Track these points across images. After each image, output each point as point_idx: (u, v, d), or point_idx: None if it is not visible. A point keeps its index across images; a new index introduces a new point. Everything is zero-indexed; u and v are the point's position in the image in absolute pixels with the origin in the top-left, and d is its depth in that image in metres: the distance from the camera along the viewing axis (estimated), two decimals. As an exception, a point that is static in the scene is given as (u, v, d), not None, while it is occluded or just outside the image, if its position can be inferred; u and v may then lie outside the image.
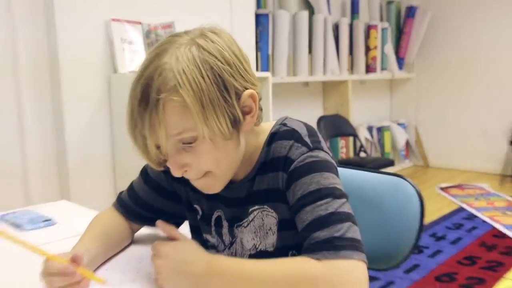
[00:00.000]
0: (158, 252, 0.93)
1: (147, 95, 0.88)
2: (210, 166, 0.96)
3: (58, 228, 1.35)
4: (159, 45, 0.94)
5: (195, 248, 0.95)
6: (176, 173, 0.96)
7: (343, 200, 0.93)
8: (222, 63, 0.91)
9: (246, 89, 0.94)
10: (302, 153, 0.97)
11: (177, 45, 0.91)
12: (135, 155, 0.98)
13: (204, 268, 0.92)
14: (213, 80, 0.89)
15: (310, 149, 0.97)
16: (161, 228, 1.00)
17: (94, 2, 2.72)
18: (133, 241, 1.20)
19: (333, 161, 0.99)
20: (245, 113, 0.96)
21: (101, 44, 2.76)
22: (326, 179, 0.94)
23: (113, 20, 2.77)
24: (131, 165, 1.16)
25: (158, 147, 0.94)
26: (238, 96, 0.93)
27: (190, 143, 0.92)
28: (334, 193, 0.92)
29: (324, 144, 1.01)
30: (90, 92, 2.73)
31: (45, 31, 2.63)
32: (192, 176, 0.98)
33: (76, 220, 1.30)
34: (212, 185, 1.01)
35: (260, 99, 0.99)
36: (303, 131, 1.00)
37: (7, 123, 2.54)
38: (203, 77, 0.88)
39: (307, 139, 0.99)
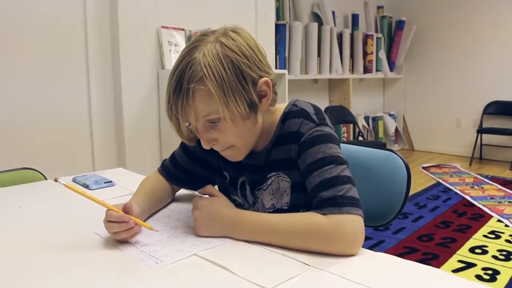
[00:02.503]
0: (197, 205, 0.94)
1: (180, 85, 0.87)
2: (233, 140, 0.94)
3: (116, 188, 1.35)
4: (191, 43, 0.91)
5: (226, 203, 0.95)
6: (206, 146, 0.95)
7: (344, 166, 0.91)
8: (240, 56, 0.88)
9: (262, 77, 0.92)
10: (310, 128, 0.94)
11: (204, 43, 0.89)
12: (176, 133, 0.97)
13: (231, 218, 0.91)
14: (233, 71, 0.87)
15: (317, 125, 0.95)
16: (202, 191, 0.99)
17: (149, 14, 2.74)
18: (174, 199, 1.19)
19: (335, 134, 0.96)
20: (261, 97, 0.93)
21: (153, 46, 2.77)
22: (330, 149, 0.92)
23: (163, 27, 2.78)
24: (174, 142, 1.15)
25: (189, 125, 0.93)
26: (255, 83, 0.91)
27: (215, 122, 0.90)
28: (337, 160, 0.90)
29: (328, 121, 0.98)
30: (143, 84, 2.75)
31: (110, 36, 2.64)
32: (219, 148, 0.97)
33: (130, 182, 1.29)
34: (236, 155, 0.99)
35: (274, 85, 0.96)
36: (311, 110, 0.98)
37: (80, 112, 2.58)
38: (224, 69, 0.86)
39: (314, 117, 0.96)
